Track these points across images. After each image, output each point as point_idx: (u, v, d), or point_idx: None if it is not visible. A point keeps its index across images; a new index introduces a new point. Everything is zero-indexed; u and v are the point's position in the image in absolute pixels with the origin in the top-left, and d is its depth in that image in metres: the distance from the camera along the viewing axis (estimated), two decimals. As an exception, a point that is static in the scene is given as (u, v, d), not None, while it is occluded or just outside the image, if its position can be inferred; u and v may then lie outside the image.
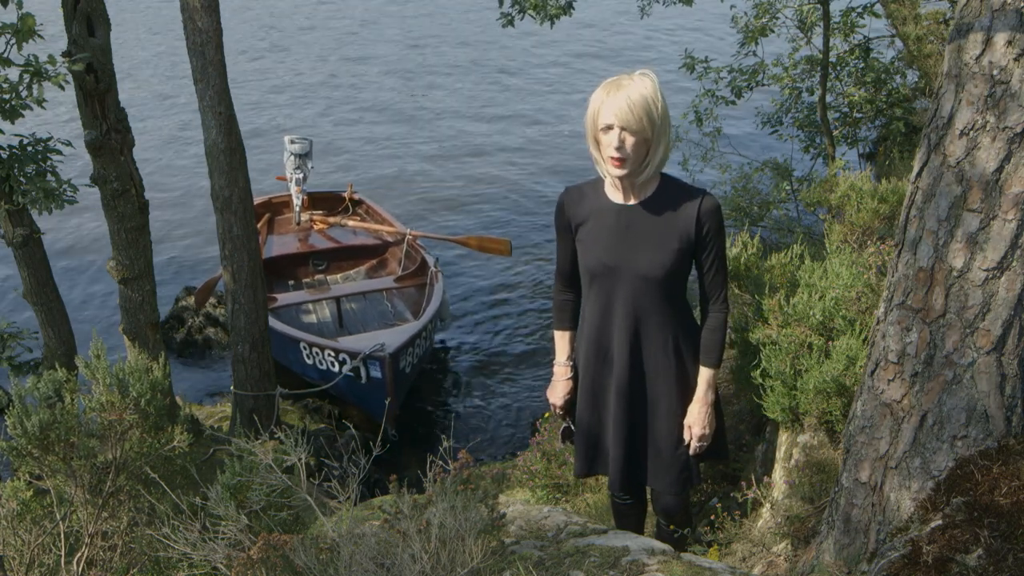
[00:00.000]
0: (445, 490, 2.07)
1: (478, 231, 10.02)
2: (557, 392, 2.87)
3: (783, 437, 3.44)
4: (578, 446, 2.85)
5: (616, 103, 2.40)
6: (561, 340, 2.85)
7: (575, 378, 2.85)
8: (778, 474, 3.37)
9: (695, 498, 3.75)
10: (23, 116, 4.54)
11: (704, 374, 2.65)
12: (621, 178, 2.49)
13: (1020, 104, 1.75)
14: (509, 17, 7.52)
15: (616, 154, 2.42)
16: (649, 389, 2.67)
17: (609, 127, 2.42)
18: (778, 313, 3.38)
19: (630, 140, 2.41)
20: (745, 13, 8.34)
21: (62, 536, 2.55)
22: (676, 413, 2.66)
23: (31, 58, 4.38)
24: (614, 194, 2.58)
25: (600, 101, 2.44)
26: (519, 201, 11.61)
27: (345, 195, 9.66)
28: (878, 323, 2.12)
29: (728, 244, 4.25)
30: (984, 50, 1.79)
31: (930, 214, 1.92)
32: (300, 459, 2.35)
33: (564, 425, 2.94)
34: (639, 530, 3.01)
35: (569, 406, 2.88)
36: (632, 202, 2.55)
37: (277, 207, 9.54)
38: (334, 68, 17.86)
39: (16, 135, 4.78)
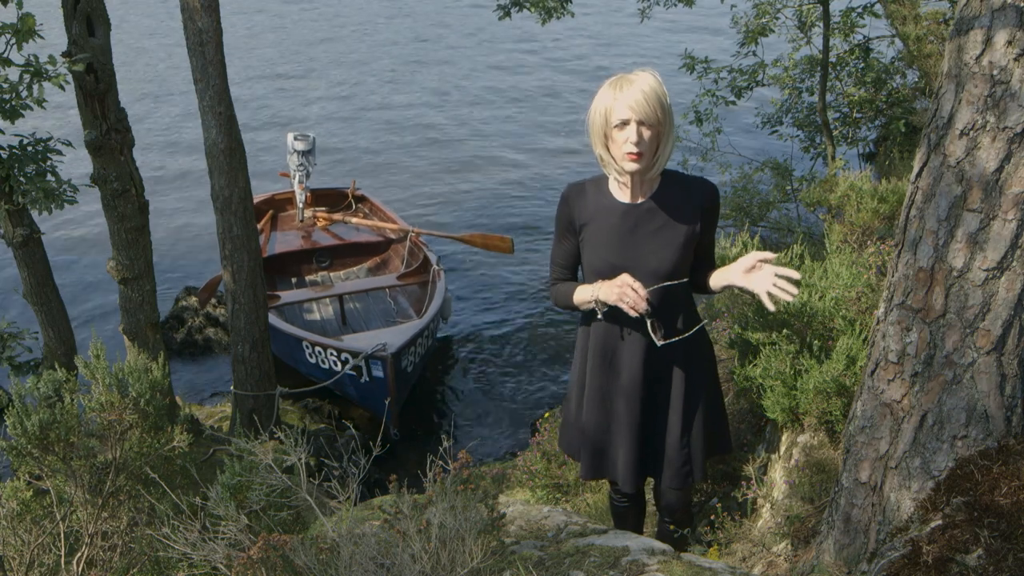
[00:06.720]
0: (445, 490, 2.07)
1: (481, 229, 10.01)
2: (616, 282, 2.48)
3: (783, 437, 3.44)
4: (585, 449, 2.82)
5: (631, 97, 2.38)
6: (576, 285, 2.64)
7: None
8: (778, 474, 3.37)
9: (695, 498, 3.75)
10: (23, 116, 4.54)
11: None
12: (633, 174, 2.47)
13: (1020, 104, 1.75)
14: (505, 9, 7.53)
15: (635, 148, 2.40)
16: (659, 385, 2.66)
17: (625, 122, 2.40)
18: (778, 313, 3.38)
19: (647, 133, 2.40)
20: (745, 13, 8.34)
21: (62, 536, 2.54)
22: (683, 408, 2.65)
23: (31, 58, 4.38)
24: (619, 193, 2.57)
25: (611, 98, 2.42)
26: (522, 199, 11.61)
27: (348, 191, 9.67)
28: (878, 323, 2.11)
29: (728, 244, 4.25)
30: (984, 50, 1.79)
31: (930, 214, 1.92)
32: (300, 459, 2.34)
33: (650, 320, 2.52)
34: (638, 530, 3.01)
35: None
36: (638, 200, 2.54)
37: (280, 204, 9.55)
38: (336, 66, 17.86)
39: (16, 135, 4.78)
